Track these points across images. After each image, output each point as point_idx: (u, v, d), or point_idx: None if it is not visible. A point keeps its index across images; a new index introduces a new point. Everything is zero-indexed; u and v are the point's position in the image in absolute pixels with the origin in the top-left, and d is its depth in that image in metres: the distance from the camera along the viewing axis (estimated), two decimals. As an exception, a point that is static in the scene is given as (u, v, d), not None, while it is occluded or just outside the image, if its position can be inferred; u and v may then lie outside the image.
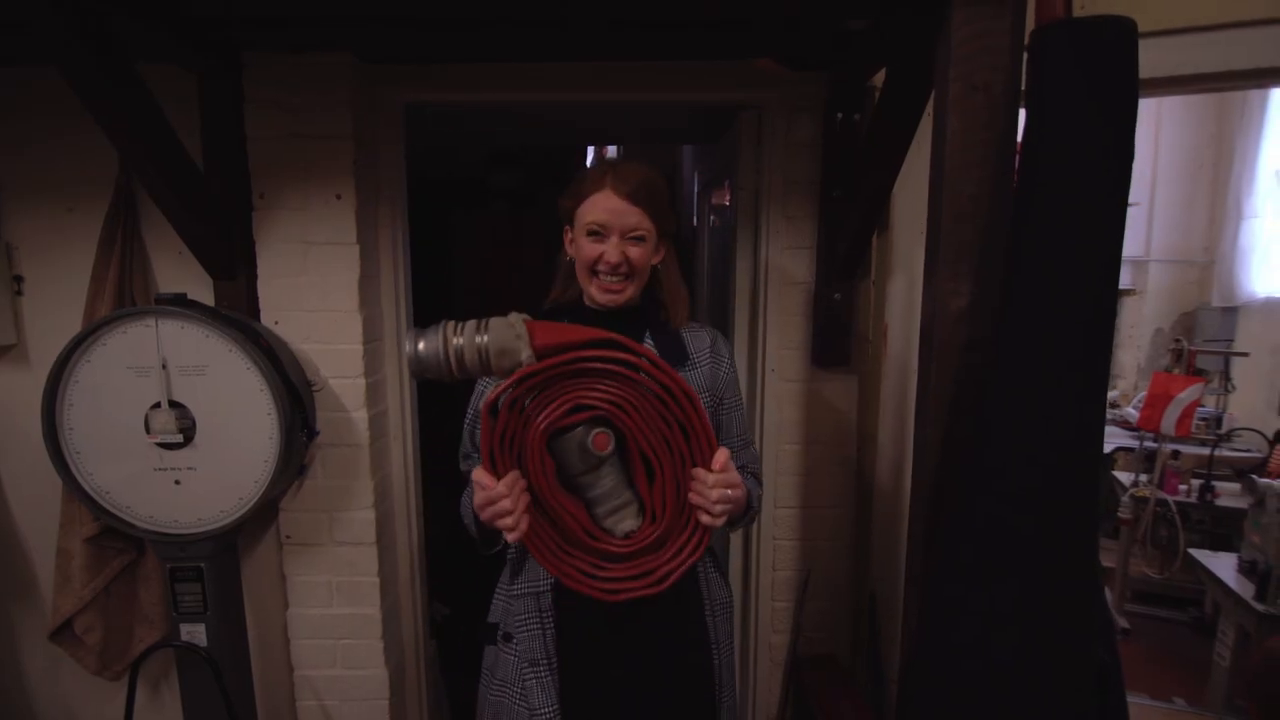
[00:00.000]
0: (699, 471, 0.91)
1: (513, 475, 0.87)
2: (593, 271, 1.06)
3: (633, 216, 1.03)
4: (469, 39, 1.45)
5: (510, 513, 0.86)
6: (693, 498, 0.92)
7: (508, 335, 0.84)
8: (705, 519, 0.91)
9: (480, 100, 1.66)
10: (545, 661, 1.05)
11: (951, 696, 0.91)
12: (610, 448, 0.87)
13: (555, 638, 1.06)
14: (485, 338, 0.84)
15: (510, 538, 0.88)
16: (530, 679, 1.05)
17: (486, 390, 1.08)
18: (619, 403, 0.87)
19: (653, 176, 1.06)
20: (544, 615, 1.06)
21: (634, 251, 1.04)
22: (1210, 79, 1.39)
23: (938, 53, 0.96)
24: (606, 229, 1.03)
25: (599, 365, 0.86)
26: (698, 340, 1.15)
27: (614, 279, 1.05)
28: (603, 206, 1.03)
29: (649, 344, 1.11)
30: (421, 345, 0.83)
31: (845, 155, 1.56)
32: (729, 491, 0.91)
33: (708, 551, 1.14)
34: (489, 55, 1.57)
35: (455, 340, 0.83)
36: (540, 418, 0.86)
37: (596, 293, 1.07)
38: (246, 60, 1.49)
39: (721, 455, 0.91)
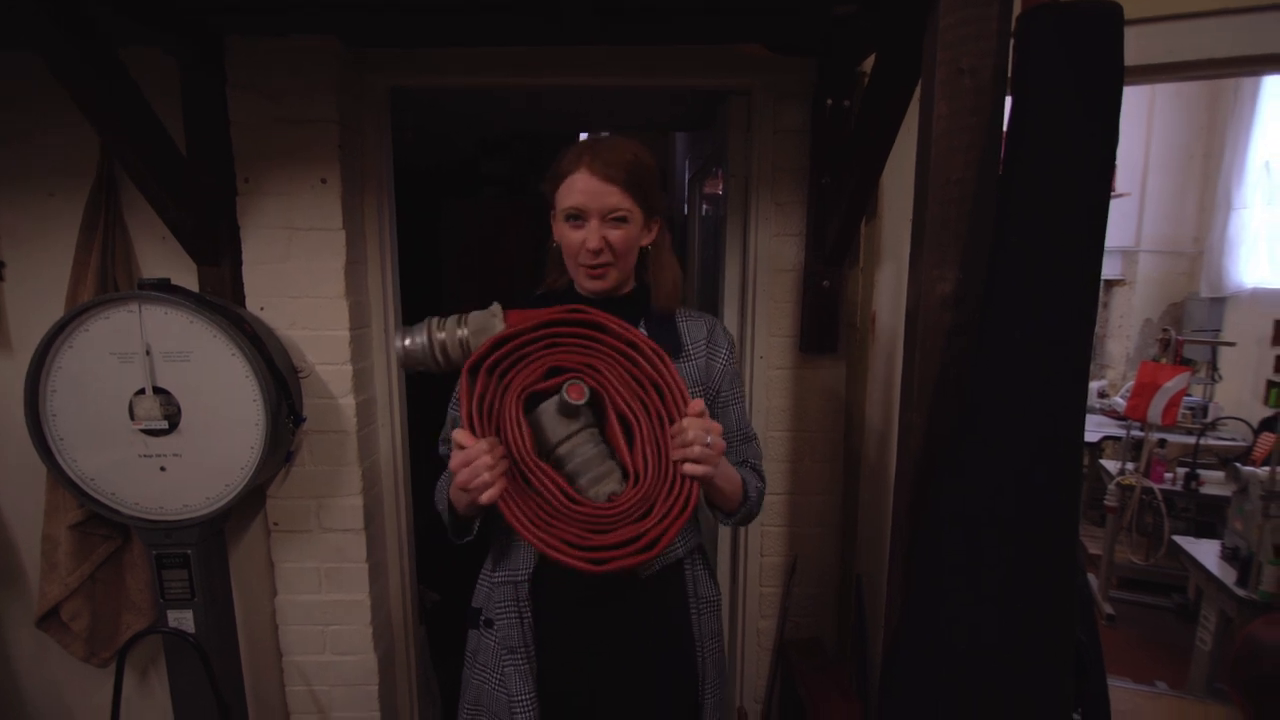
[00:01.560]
0: (677, 422, 0.89)
1: (491, 439, 0.85)
2: (576, 259, 1.03)
3: (611, 197, 0.98)
4: (455, 23, 1.43)
5: (490, 468, 0.83)
6: (674, 449, 0.89)
7: (485, 318, 0.90)
8: (687, 468, 0.87)
9: (466, 85, 1.64)
10: (523, 649, 1.04)
11: (933, 676, 0.93)
12: (585, 397, 0.89)
13: (533, 626, 1.05)
14: (465, 329, 0.90)
15: (484, 498, 0.83)
16: (509, 666, 1.05)
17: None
18: (591, 364, 0.90)
19: (634, 152, 1.00)
20: (521, 604, 1.05)
21: (614, 235, 1.00)
22: (1200, 66, 1.39)
23: (925, 36, 0.95)
24: (584, 212, 0.99)
25: (568, 330, 0.89)
26: (694, 330, 1.11)
27: (596, 265, 1.02)
28: (579, 189, 0.98)
29: (642, 333, 1.07)
30: (408, 341, 0.90)
31: (834, 141, 1.56)
32: (708, 436, 0.88)
33: (698, 550, 1.14)
34: (475, 40, 1.56)
35: (439, 334, 0.90)
36: (518, 380, 0.89)
37: (583, 280, 1.05)
38: (230, 45, 1.47)
39: (696, 404, 0.89)
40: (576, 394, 0.87)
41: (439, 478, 1.08)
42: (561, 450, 0.90)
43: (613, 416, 0.90)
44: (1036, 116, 0.86)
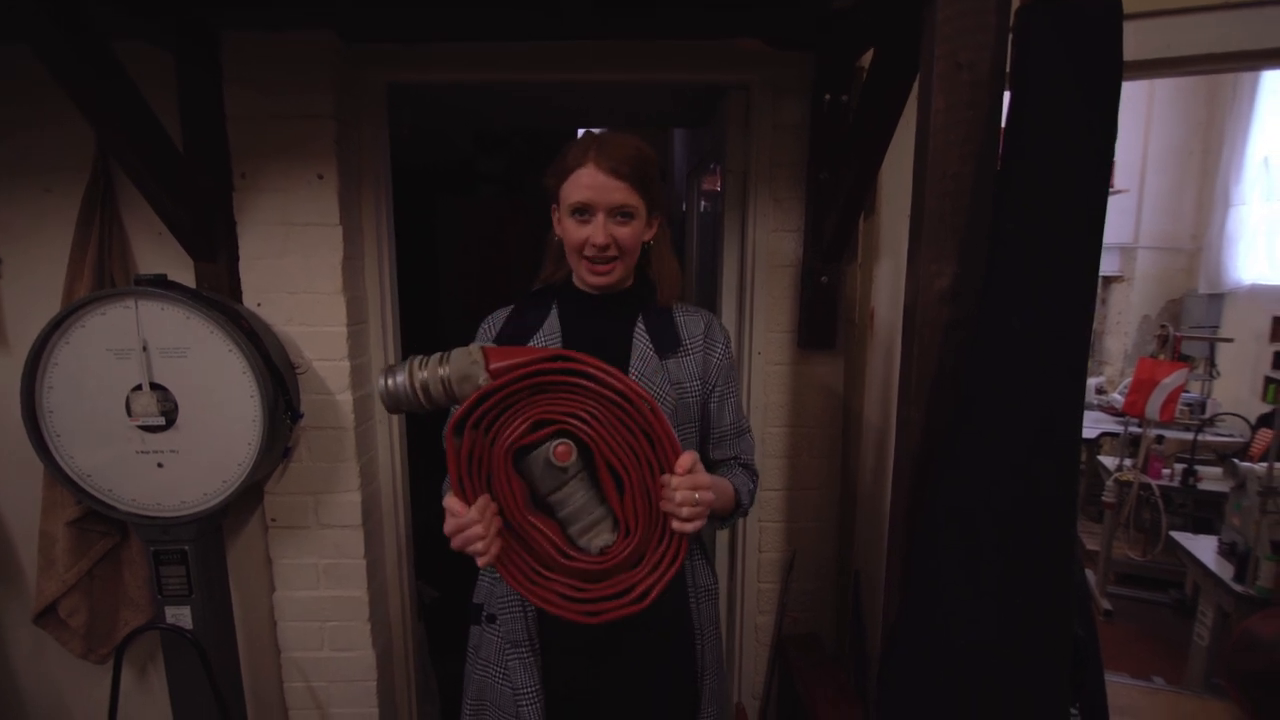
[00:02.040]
0: (665, 478, 0.87)
1: (483, 499, 0.86)
2: (581, 254, 1.02)
3: (619, 193, 0.98)
4: (452, 16, 1.43)
5: (482, 538, 0.85)
6: (663, 505, 0.88)
7: (465, 363, 0.87)
8: (675, 525, 0.87)
9: (464, 80, 1.63)
10: (527, 642, 1.05)
11: (931, 671, 0.93)
12: (572, 458, 0.87)
13: (537, 619, 1.06)
14: (446, 369, 0.87)
15: (481, 562, 0.87)
16: (513, 660, 1.05)
17: None
18: (578, 414, 0.87)
19: (640, 148, 1.01)
20: (524, 598, 1.05)
21: (621, 231, 1.00)
22: (1200, 61, 1.39)
23: (923, 30, 0.95)
24: (591, 208, 0.99)
25: (554, 379, 0.86)
26: (691, 325, 1.11)
27: (602, 262, 1.02)
28: (586, 184, 0.98)
29: (640, 329, 1.07)
30: (390, 382, 0.88)
31: (833, 137, 1.56)
32: (696, 494, 0.86)
33: (695, 541, 1.15)
34: (473, 34, 1.55)
35: (420, 374, 0.88)
36: (504, 435, 0.87)
37: (586, 274, 1.04)
38: (225, 39, 1.46)
39: (686, 459, 0.87)
40: (563, 455, 0.86)
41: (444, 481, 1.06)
42: (552, 499, 0.90)
43: (602, 465, 0.89)
44: (1036, 111, 0.86)
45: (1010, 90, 0.89)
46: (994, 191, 0.90)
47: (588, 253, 1.01)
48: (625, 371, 1.02)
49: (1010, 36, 0.89)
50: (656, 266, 1.11)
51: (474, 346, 0.90)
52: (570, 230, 1.02)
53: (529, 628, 1.05)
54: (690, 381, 1.08)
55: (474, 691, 1.13)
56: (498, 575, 1.08)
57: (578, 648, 1.06)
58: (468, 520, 0.85)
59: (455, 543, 0.87)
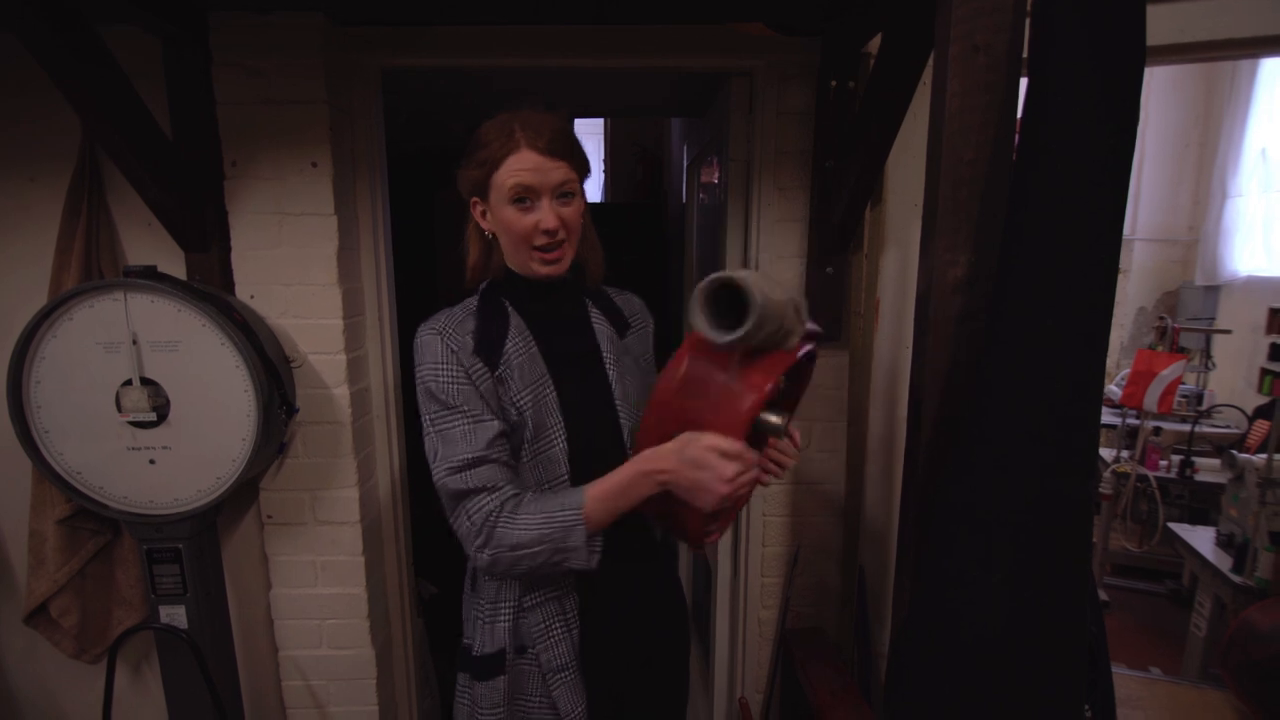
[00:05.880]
0: (786, 444, 1.02)
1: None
2: (529, 243, 0.97)
3: (558, 171, 0.94)
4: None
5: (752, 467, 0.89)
6: (777, 455, 1.02)
7: (794, 319, 0.90)
8: (765, 477, 1.02)
9: (459, 66, 1.59)
10: (576, 663, 1.02)
11: (943, 668, 0.91)
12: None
13: (580, 638, 1.03)
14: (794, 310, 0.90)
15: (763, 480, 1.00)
16: (558, 686, 1.01)
17: (439, 387, 0.98)
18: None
19: (563, 122, 0.96)
20: (568, 617, 1.02)
21: (567, 211, 0.96)
22: (1206, 47, 1.37)
23: (937, 11, 0.92)
24: (534, 191, 0.94)
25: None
26: (629, 304, 1.14)
27: (553, 248, 0.97)
28: (524, 167, 0.92)
29: (594, 312, 1.08)
30: (761, 298, 0.81)
31: (839, 124, 1.53)
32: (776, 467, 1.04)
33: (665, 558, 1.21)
34: (468, 18, 1.51)
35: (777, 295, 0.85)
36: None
37: (538, 265, 0.98)
38: (213, 22, 1.42)
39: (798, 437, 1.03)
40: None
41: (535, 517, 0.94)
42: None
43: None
44: (1055, 95, 0.83)
45: (1029, 73, 0.87)
46: (1011, 177, 0.88)
47: (538, 242, 0.96)
48: (601, 358, 1.06)
49: (1028, 18, 0.87)
50: (586, 248, 1.06)
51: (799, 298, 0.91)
52: (512, 220, 0.95)
53: (574, 648, 1.02)
54: (645, 355, 1.14)
55: None
56: (528, 605, 1.02)
57: (616, 662, 1.06)
58: (752, 459, 0.88)
59: (741, 482, 0.87)
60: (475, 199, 1.01)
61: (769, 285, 0.84)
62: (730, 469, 0.85)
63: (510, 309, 1.03)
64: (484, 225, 1.02)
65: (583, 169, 0.99)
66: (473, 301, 1.05)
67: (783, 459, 1.02)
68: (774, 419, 0.95)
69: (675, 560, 1.21)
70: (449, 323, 1.00)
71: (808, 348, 0.94)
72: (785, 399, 1.04)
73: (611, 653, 1.05)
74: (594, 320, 1.07)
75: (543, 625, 1.01)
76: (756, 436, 0.97)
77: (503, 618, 1.02)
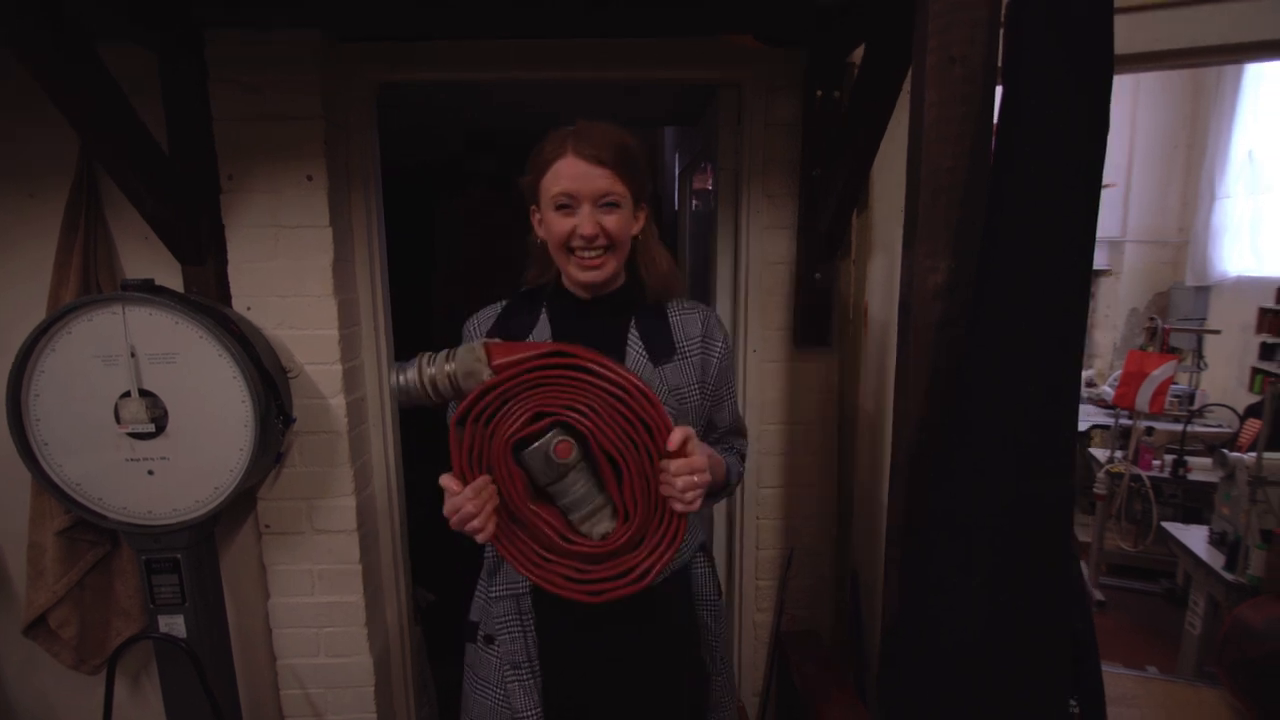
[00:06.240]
0: (664, 463, 0.87)
1: (481, 479, 0.87)
2: (568, 249, 0.97)
3: (602, 180, 0.94)
4: (441, 15, 1.42)
5: (475, 515, 0.86)
6: (663, 490, 0.88)
7: (469, 359, 0.90)
8: (678, 507, 0.87)
9: (453, 80, 1.62)
10: (527, 664, 1.03)
11: (931, 667, 0.93)
12: (572, 455, 0.89)
13: (536, 640, 1.03)
14: (452, 365, 0.90)
15: (480, 538, 0.88)
16: (512, 682, 1.03)
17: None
18: (576, 407, 0.88)
19: (621, 135, 0.96)
20: (524, 617, 1.04)
21: (609, 220, 0.95)
22: (1186, 54, 1.40)
23: (915, 23, 0.95)
24: (575, 198, 0.94)
25: (553, 373, 0.88)
26: (688, 325, 1.06)
27: (592, 253, 0.96)
28: (567, 173, 0.94)
29: (633, 335, 1.03)
30: (402, 378, 0.91)
31: (825, 133, 1.56)
32: (694, 477, 0.86)
33: (703, 550, 1.14)
34: (462, 32, 1.54)
35: (429, 370, 0.90)
36: (503, 428, 0.88)
37: (576, 271, 0.97)
38: (210, 38, 1.44)
39: (676, 435, 0.86)
40: (563, 452, 0.88)
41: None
42: (553, 490, 0.91)
43: (600, 455, 0.89)
44: (1029, 104, 0.86)
45: (1003, 83, 0.89)
46: (988, 185, 0.90)
47: (575, 244, 0.96)
48: None
49: (1002, 30, 0.89)
50: (646, 264, 1.04)
51: (478, 343, 0.91)
52: (554, 224, 0.96)
53: (529, 649, 1.03)
54: (688, 386, 1.04)
55: (475, 713, 1.09)
56: (493, 595, 1.06)
57: (577, 667, 1.04)
58: (462, 499, 0.86)
59: (453, 521, 0.87)
60: (532, 206, 1.02)
61: (436, 365, 0.90)
62: (446, 503, 0.89)
63: (544, 314, 1.05)
64: (538, 232, 1.02)
65: (635, 183, 0.98)
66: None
67: (670, 479, 0.87)
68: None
69: (688, 568, 1.12)
70: (486, 311, 1.08)
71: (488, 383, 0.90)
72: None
73: (572, 661, 1.04)
74: (629, 343, 1.03)
75: (503, 619, 1.04)
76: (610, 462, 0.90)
77: (480, 595, 1.10)
